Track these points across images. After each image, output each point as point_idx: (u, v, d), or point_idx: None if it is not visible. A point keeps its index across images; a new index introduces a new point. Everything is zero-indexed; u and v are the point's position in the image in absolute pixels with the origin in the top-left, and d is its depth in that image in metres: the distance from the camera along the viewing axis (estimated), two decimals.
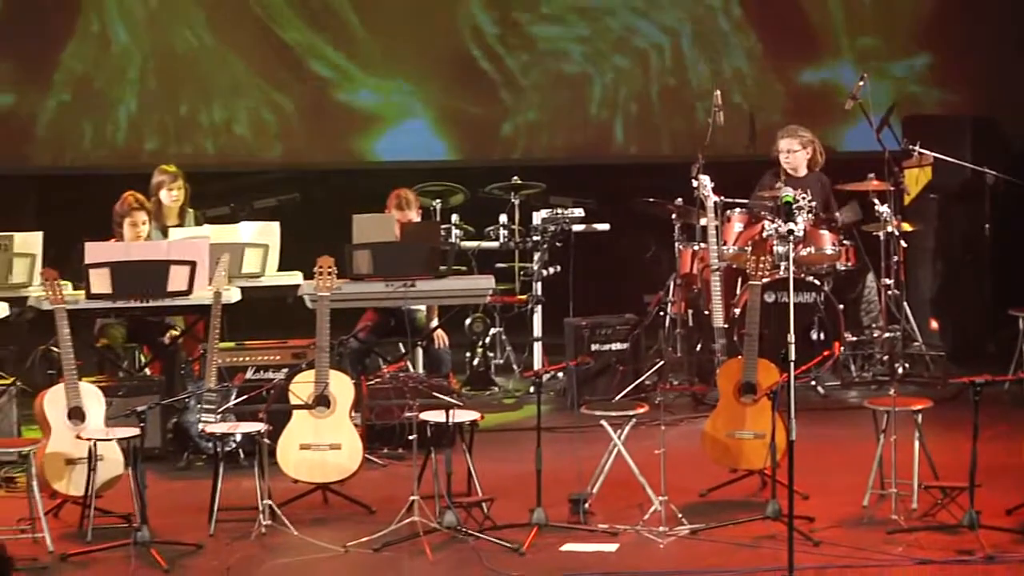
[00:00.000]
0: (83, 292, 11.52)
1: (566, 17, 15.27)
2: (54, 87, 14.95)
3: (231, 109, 15.15)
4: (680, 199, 13.15)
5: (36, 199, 14.90)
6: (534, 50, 15.25)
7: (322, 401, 10.60)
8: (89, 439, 10.15)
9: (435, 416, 10.25)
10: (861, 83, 13.49)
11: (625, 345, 13.04)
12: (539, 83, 15.27)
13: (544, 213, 13.68)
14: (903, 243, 13.38)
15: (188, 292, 11.53)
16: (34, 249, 12.09)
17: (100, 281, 11.47)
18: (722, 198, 12.86)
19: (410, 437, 10.33)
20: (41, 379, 11.79)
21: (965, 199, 14.06)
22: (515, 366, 13.74)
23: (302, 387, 10.64)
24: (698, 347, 13.00)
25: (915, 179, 13.91)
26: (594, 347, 12.98)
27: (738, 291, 12.71)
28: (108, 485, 10.29)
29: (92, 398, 10.45)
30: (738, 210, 13.11)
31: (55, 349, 11.03)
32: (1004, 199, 13.90)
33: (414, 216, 12.67)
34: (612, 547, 9.87)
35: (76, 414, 10.35)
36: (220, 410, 10.89)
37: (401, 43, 15.17)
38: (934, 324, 14.13)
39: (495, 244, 13.73)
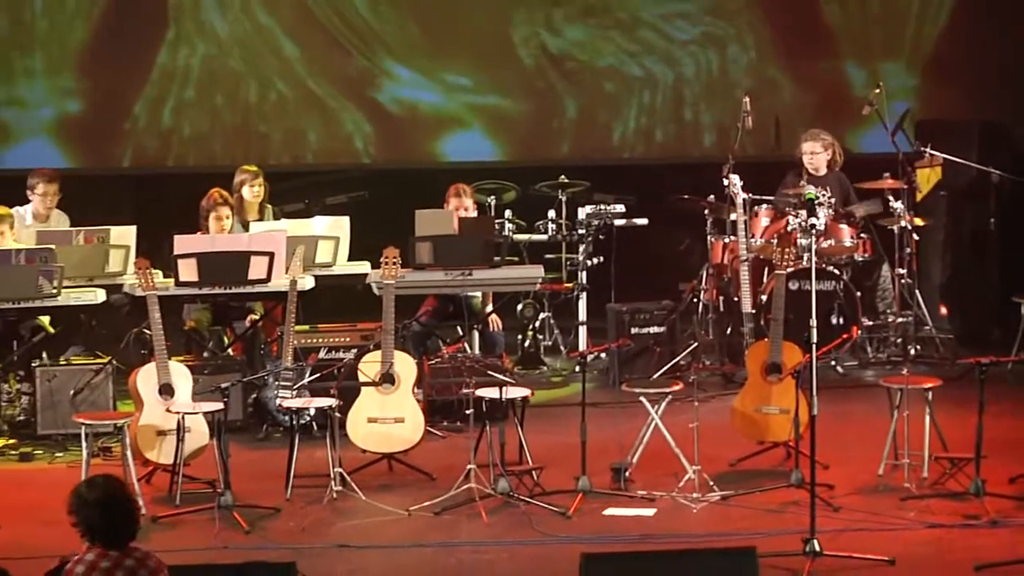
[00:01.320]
0: (172, 280, 11.55)
1: (607, 27, 15.20)
2: (144, 95, 14.97)
3: (307, 115, 15.13)
4: (712, 196, 13.12)
5: (130, 196, 14.94)
6: (578, 59, 15.20)
7: (388, 379, 10.62)
8: (178, 412, 10.20)
9: (490, 392, 10.25)
10: (877, 91, 13.51)
11: (662, 329, 13.03)
12: (583, 90, 15.23)
13: (588, 209, 13.67)
14: (915, 236, 13.34)
15: (267, 280, 11.55)
16: (128, 241, 12.15)
17: (188, 270, 11.51)
18: (750, 195, 12.82)
19: (467, 411, 10.33)
20: (135, 358, 11.86)
21: (972, 196, 14.00)
22: (562, 347, 13.72)
23: (369, 366, 10.67)
24: (728, 331, 12.96)
25: (926, 178, 13.86)
26: (634, 330, 12.96)
27: (765, 280, 12.67)
28: (195, 454, 10.34)
29: (180, 376, 10.49)
30: (765, 206, 13.08)
31: (147, 331, 11.08)
32: (1008, 196, 13.83)
33: (469, 204, 12.66)
34: (650, 512, 9.87)
35: (166, 390, 10.39)
36: (295, 387, 10.91)
37: (459, 55, 15.15)
38: (943, 310, 14.07)
39: (544, 237, 13.71)
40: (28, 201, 12.57)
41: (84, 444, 10.05)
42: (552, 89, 15.20)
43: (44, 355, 11.86)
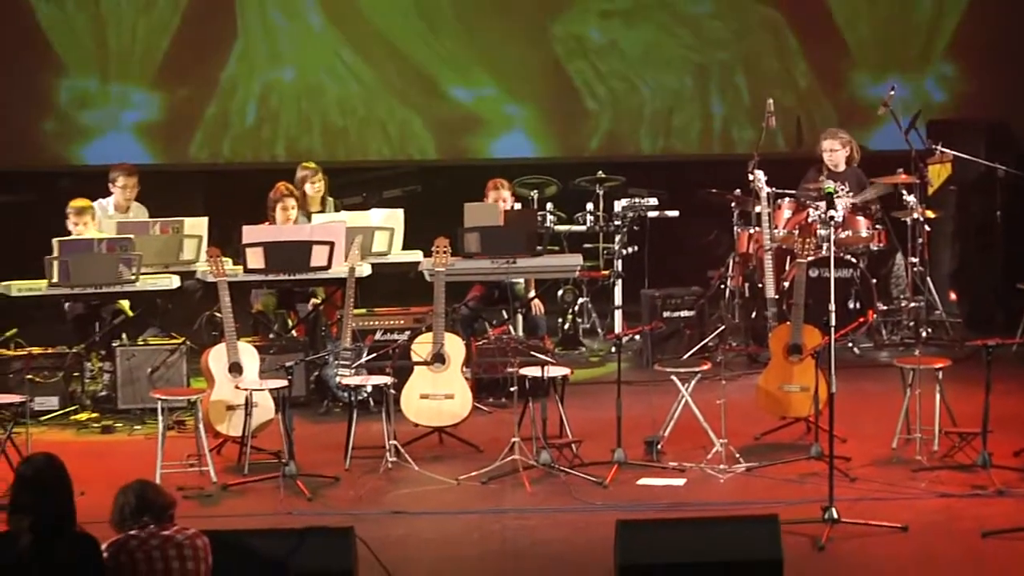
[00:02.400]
0: (241, 267, 11.56)
1: (640, 34, 15.16)
2: (215, 97, 14.99)
3: (364, 116, 15.14)
4: (738, 190, 13.06)
5: (202, 190, 14.96)
6: (613, 66, 15.16)
7: (438, 358, 10.61)
8: (246, 389, 10.21)
9: (532, 371, 10.23)
10: (892, 93, 13.46)
11: (691, 312, 13.00)
12: (619, 93, 15.19)
13: (624, 202, 13.62)
14: (927, 227, 13.29)
15: (327, 267, 11.55)
16: (200, 231, 12.18)
17: (255, 257, 11.51)
18: (773, 189, 12.77)
19: (511, 389, 10.36)
20: (206, 339, 11.89)
21: (980, 191, 13.93)
22: (599, 330, 13.70)
23: (422, 346, 10.66)
24: (753, 314, 12.91)
25: (937, 174, 13.79)
26: (665, 314, 12.93)
27: (787, 267, 12.61)
28: (261, 427, 10.36)
29: (248, 355, 10.50)
30: (787, 199, 13.02)
31: (218, 314, 11.10)
32: (1012, 191, 13.76)
33: (507, 196, 12.63)
34: (680, 482, 9.84)
35: (235, 368, 10.41)
36: (354, 365, 10.90)
37: (504, 60, 15.13)
38: (953, 295, 14.00)
39: (583, 228, 13.68)
40: (110, 194, 12.61)
41: (160, 418, 10.06)
42: (591, 92, 15.17)
43: (124, 336, 11.90)
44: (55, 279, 11.46)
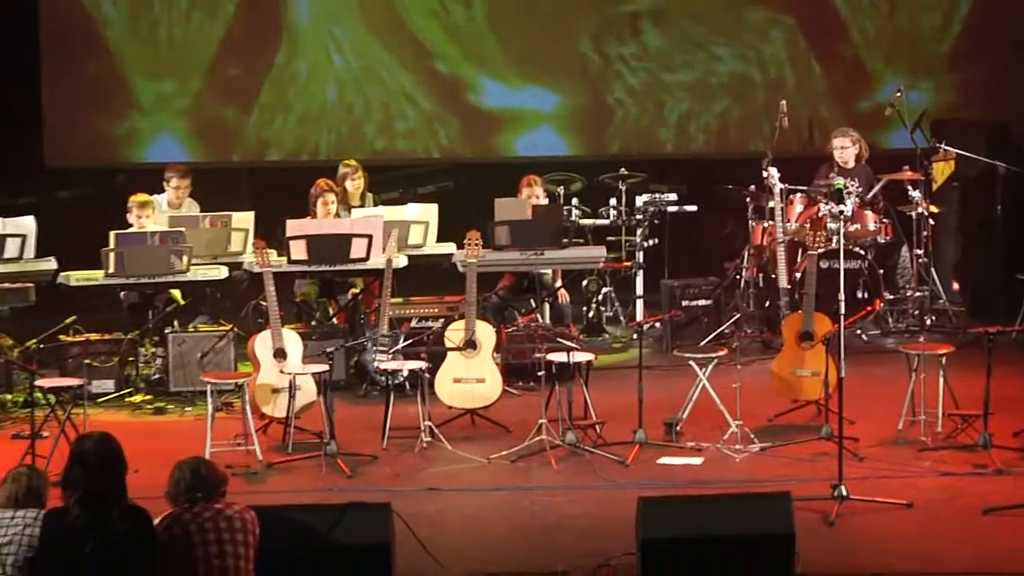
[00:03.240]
0: (285, 258, 11.57)
1: (661, 39, 15.13)
2: (261, 100, 15.01)
3: (401, 116, 15.13)
4: (753, 186, 13.04)
5: (249, 186, 14.98)
6: (636, 66, 15.13)
7: (470, 344, 10.62)
8: (290, 373, 10.23)
9: (559, 356, 10.22)
10: (898, 94, 13.43)
11: (709, 301, 12.97)
12: (640, 94, 15.15)
13: (645, 197, 13.61)
14: (931, 221, 13.27)
15: (366, 259, 11.55)
16: (247, 225, 12.20)
17: (298, 249, 11.53)
18: (786, 185, 12.73)
19: (539, 373, 10.34)
20: (252, 326, 11.93)
21: (981, 187, 13.86)
22: (622, 318, 13.68)
23: (455, 333, 10.67)
24: (766, 303, 12.88)
25: (941, 171, 13.74)
26: (684, 303, 12.91)
27: (799, 259, 12.57)
28: (304, 409, 10.37)
29: (292, 341, 10.52)
30: (799, 195, 12.99)
31: (263, 303, 11.11)
32: (1012, 187, 13.68)
33: (539, 193, 12.62)
34: (698, 461, 9.84)
35: (280, 354, 10.42)
36: (391, 351, 10.92)
37: (533, 63, 15.10)
38: (956, 285, 13.95)
39: (606, 221, 13.66)
40: (163, 190, 12.63)
41: (209, 400, 10.08)
42: (614, 93, 15.13)
43: (175, 323, 11.91)
44: (111, 270, 11.48)
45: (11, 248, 11.59)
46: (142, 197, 12.06)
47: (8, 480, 7.06)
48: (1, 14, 14.20)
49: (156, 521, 6.83)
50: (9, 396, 11.34)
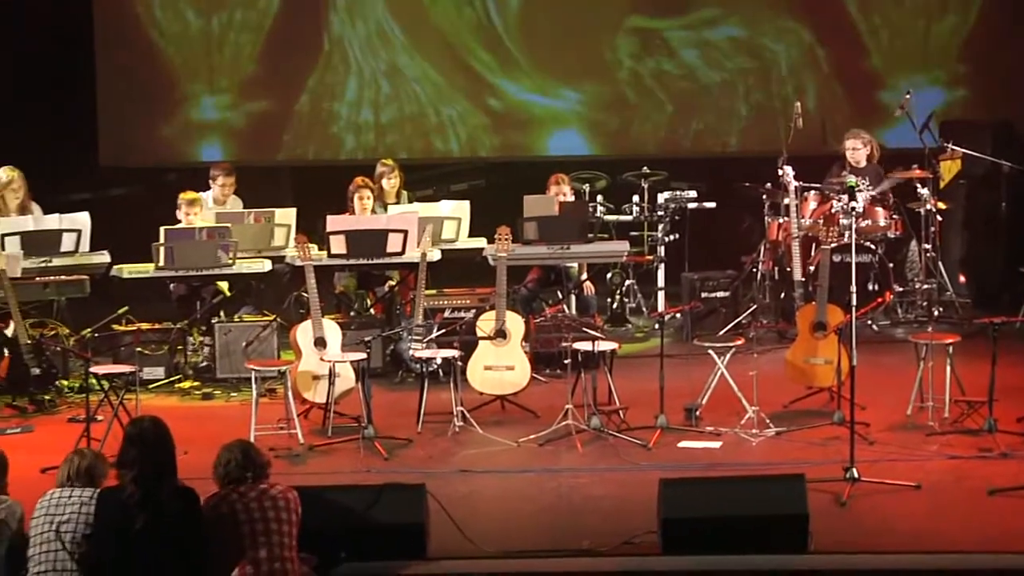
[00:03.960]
0: (325, 252, 11.60)
1: (681, 44, 15.11)
2: (301, 104, 15.05)
3: (436, 117, 15.14)
4: (769, 184, 13.02)
5: (291, 184, 15.01)
6: (657, 72, 15.11)
7: (500, 334, 10.62)
8: (329, 361, 10.24)
9: (584, 345, 10.23)
10: (908, 96, 13.42)
11: (727, 293, 12.96)
12: (662, 97, 15.13)
13: (666, 194, 13.62)
14: (939, 217, 13.22)
15: (402, 252, 11.57)
16: (289, 221, 12.23)
17: (338, 244, 11.55)
18: (800, 183, 12.71)
19: (565, 361, 10.34)
20: (294, 316, 11.95)
21: (986, 185, 13.82)
22: (644, 309, 13.67)
23: (486, 323, 10.68)
24: (782, 295, 12.86)
25: (948, 169, 13.69)
26: (703, 295, 12.90)
27: (812, 253, 12.54)
28: (343, 395, 10.38)
29: (331, 330, 10.54)
30: (813, 192, 12.95)
31: (305, 294, 11.14)
32: (1016, 185, 13.66)
33: (567, 190, 12.62)
34: (716, 444, 9.83)
35: (320, 342, 10.45)
36: (425, 340, 10.94)
37: (561, 67, 15.10)
38: (962, 278, 13.91)
39: (630, 217, 13.66)
40: (209, 188, 12.67)
41: (253, 386, 10.12)
42: (636, 95, 15.12)
43: (222, 313, 11.97)
44: (161, 263, 11.53)
45: (67, 242, 11.66)
46: (191, 195, 12.11)
47: (67, 461, 7.12)
48: (59, 22, 14.27)
49: (204, 500, 6.87)
50: (65, 382, 11.39)
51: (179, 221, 11.99)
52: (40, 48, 13.92)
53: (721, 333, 12.10)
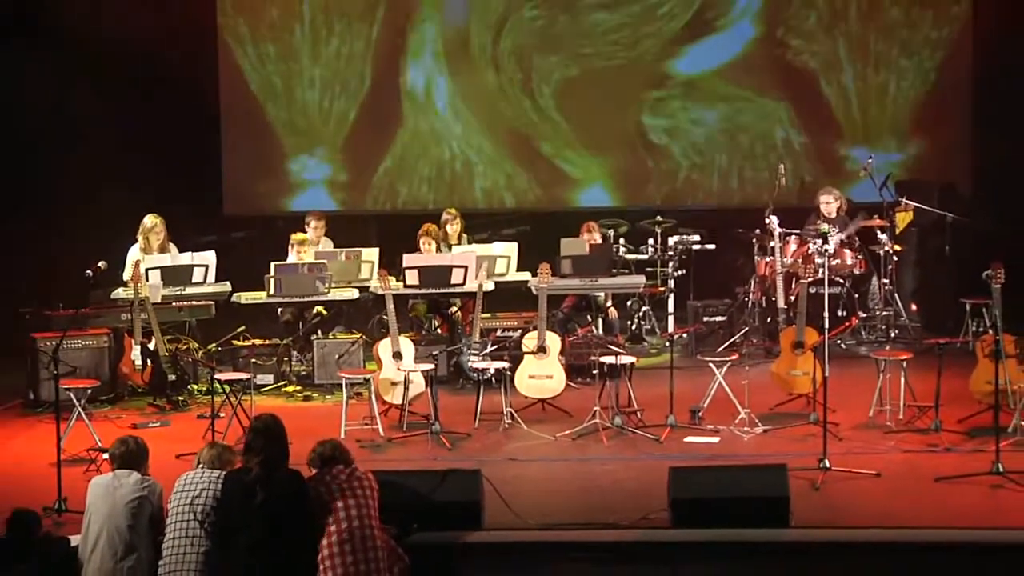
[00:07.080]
0: (402, 283, 11.64)
1: (688, 115, 15.10)
2: (385, 163, 15.08)
3: (491, 176, 15.15)
4: (758, 230, 13.00)
5: (376, 228, 15.02)
6: (666, 138, 15.10)
7: (542, 349, 10.64)
8: (404, 370, 10.28)
9: (609, 359, 10.24)
10: (870, 160, 13.40)
11: (724, 318, 12.93)
12: (673, 159, 15.12)
13: (675, 238, 13.60)
14: (895, 257, 13.17)
15: (463, 284, 11.60)
16: (373, 258, 12.28)
17: (412, 277, 11.60)
18: (784, 229, 12.69)
19: (594, 371, 10.35)
20: (376, 335, 11.98)
21: (934, 231, 13.73)
22: (657, 330, 13.63)
23: (530, 340, 10.70)
24: (768, 320, 12.82)
25: (902, 219, 13.62)
26: (705, 319, 12.88)
27: (793, 286, 12.51)
28: (415, 398, 10.42)
29: (407, 346, 10.58)
30: (794, 237, 12.93)
31: (385, 317, 11.18)
32: (957, 232, 13.58)
33: (596, 236, 12.63)
34: (715, 439, 9.81)
35: (397, 356, 10.49)
36: (482, 354, 10.96)
37: (590, 135, 15.11)
38: (914, 307, 13.82)
39: (645, 256, 13.65)
40: (305, 231, 12.73)
41: (344, 390, 10.18)
42: (652, 158, 15.11)
43: (319, 332, 12.02)
44: (271, 291, 11.61)
45: (197, 275, 11.76)
46: (301, 236, 12.21)
47: (207, 448, 7.20)
48: (193, 100, 14.40)
49: (308, 478, 6.91)
50: (195, 386, 11.48)
51: (287, 257, 12.05)
52: (179, 122, 14.05)
53: (719, 350, 12.07)
